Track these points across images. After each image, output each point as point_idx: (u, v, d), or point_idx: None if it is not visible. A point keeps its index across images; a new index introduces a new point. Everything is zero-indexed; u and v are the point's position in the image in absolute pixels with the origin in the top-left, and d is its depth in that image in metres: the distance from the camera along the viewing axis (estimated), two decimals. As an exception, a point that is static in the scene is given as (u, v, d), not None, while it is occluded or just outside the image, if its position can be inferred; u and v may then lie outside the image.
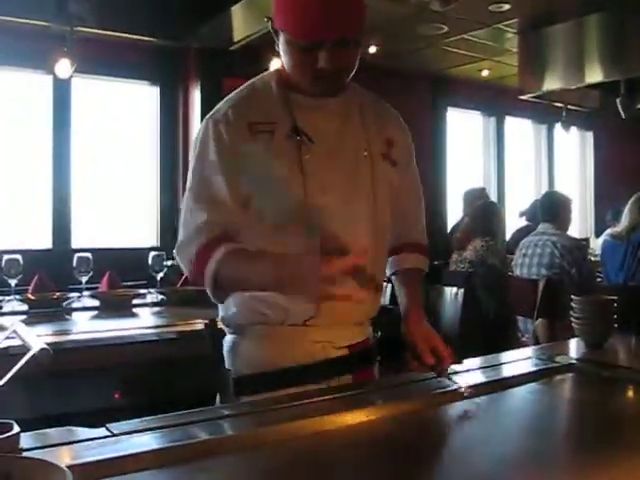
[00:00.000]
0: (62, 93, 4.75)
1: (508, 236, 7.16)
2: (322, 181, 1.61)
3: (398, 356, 1.69)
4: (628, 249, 4.22)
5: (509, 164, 7.75)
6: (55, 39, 4.18)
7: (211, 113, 1.66)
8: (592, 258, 5.86)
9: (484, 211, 5.11)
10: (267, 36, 1.59)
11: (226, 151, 1.59)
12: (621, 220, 4.37)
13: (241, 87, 1.71)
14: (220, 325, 1.76)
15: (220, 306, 1.72)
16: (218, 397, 1.70)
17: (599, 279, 4.96)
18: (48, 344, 1.39)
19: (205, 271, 1.53)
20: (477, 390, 1.57)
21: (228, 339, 1.73)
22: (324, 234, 1.58)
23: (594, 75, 5.25)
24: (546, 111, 7.25)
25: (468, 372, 1.74)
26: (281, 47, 1.59)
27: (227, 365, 1.70)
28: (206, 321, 1.80)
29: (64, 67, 4.20)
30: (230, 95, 1.69)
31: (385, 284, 1.96)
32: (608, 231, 7.06)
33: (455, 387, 1.56)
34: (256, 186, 1.60)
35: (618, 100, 5.62)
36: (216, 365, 1.70)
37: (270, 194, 1.60)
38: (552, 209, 4.77)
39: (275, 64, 3.02)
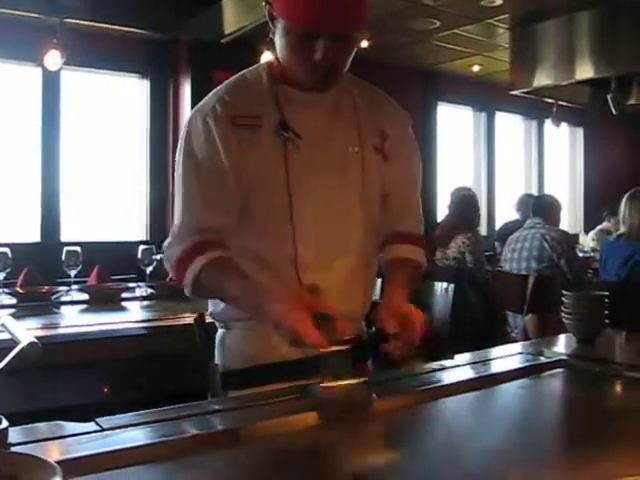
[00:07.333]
0: (51, 85, 4.72)
1: (497, 229, 7.19)
2: (308, 182, 1.59)
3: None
4: (635, 255, 3.96)
5: (499, 159, 7.77)
6: (45, 30, 4.16)
7: (198, 106, 1.62)
8: (581, 254, 5.88)
9: (462, 206, 5.11)
10: (258, 29, 1.57)
11: (216, 146, 1.56)
12: (620, 217, 4.22)
13: (231, 78, 1.68)
14: (209, 319, 1.75)
15: (209, 301, 1.71)
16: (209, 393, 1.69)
17: (589, 274, 4.97)
18: (37, 338, 1.38)
19: (186, 273, 1.53)
20: (467, 386, 1.57)
21: (219, 333, 1.72)
22: (307, 237, 1.58)
23: (585, 71, 5.27)
24: (536, 107, 7.26)
25: (458, 368, 1.74)
26: (278, 35, 1.54)
27: (216, 359, 1.69)
28: (195, 315, 1.79)
29: (53, 59, 4.18)
30: (219, 87, 1.65)
31: (376, 279, 1.93)
32: (604, 226, 7.02)
33: (441, 384, 1.56)
34: (243, 182, 1.57)
35: (609, 96, 5.63)
36: (204, 360, 1.70)
37: (254, 193, 1.58)
38: (542, 207, 4.85)
39: (266, 57, 3.00)
